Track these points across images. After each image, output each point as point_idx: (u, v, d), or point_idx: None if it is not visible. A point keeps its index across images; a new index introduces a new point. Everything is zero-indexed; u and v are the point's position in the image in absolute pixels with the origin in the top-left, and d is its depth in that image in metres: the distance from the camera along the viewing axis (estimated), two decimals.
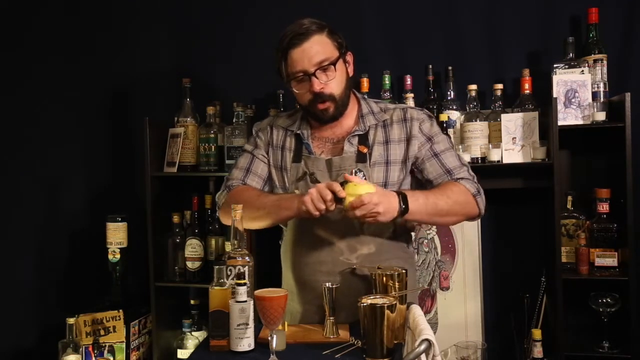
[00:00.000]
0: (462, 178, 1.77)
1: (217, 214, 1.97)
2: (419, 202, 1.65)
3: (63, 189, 3.06)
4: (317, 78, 1.71)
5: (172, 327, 2.77)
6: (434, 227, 2.70)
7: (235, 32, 2.89)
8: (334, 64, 1.73)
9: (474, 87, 2.51)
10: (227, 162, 2.61)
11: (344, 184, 1.59)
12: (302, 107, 1.83)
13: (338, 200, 1.57)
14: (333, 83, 1.74)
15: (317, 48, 1.71)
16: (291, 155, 1.85)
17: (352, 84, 1.85)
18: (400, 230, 1.83)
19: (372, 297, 1.45)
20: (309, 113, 1.82)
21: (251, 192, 1.83)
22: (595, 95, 2.36)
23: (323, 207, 1.58)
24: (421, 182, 1.84)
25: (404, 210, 1.62)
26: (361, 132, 1.80)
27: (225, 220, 1.89)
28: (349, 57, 1.82)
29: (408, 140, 1.80)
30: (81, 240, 3.01)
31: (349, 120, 1.84)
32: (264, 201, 1.77)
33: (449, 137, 1.90)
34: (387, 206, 1.58)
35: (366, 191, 1.55)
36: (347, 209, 1.57)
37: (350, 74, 1.82)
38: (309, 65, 1.71)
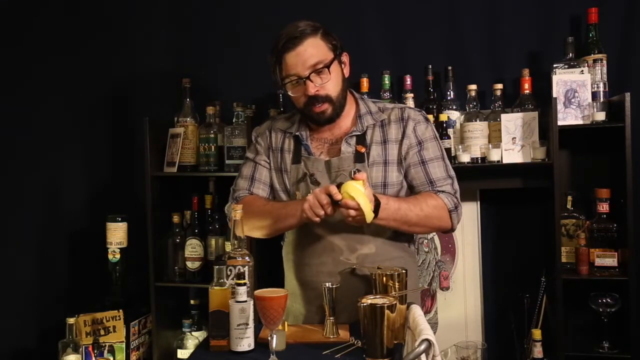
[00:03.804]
0: (443, 191, 1.77)
1: (227, 219, 1.94)
2: (389, 209, 1.65)
3: (63, 189, 3.05)
4: (311, 81, 1.71)
5: (172, 327, 2.77)
6: None
7: (235, 32, 2.89)
8: (327, 66, 1.72)
9: (473, 87, 2.50)
10: (227, 162, 2.61)
11: (340, 185, 1.59)
12: (298, 110, 1.83)
13: (336, 202, 1.58)
14: (328, 85, 1.73)
15: (310, 51, 1.70)
16: (290, 156, 1.84)
17: (349, 85, 1.85)
18: None
19: (372, 297, 1.44)
20: (306, 116, 1.82)
21: (258, 202, 1.83)
22: (595, 95, 2.36)
23: (322, 212, 1.59)
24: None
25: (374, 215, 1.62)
26: (359, 133, 1.80)
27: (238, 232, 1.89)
28: (345, 58, 1.81)
29: (402, 139, 1.80)
30: (81, 240, 3.01)
31: (346, 120, 1.83)
32: (271, 211, 1.77)
33: (441, 143, 1.84)
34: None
35: (360, 193, 1.56)
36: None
37: (347, 74, 1.81)
38: (303, 69, 1.70)
